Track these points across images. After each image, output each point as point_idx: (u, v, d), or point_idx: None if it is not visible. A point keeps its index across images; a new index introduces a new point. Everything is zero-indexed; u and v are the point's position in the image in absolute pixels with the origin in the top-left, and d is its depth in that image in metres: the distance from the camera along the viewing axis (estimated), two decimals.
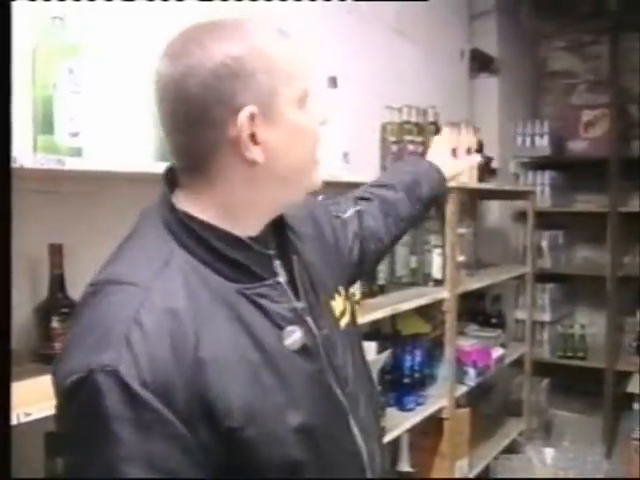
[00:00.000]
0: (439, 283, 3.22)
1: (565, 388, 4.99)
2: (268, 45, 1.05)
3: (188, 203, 1.07)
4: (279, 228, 1.19)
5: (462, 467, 3.46)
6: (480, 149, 3.76)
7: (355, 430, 1.17)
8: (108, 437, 0.90)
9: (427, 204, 1.77)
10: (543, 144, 4.89)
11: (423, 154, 3.13)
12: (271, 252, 1.13)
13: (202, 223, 1.05)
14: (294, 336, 1.08)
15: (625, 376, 4.41)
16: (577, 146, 5.03)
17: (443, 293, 3.16)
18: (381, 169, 3.06)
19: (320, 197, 1.56)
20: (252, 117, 1.01)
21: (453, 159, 1.94)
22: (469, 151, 3.53)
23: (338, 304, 1.27)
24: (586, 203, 5.17)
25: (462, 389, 3.39)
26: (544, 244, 4.95)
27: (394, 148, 3.07)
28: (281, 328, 1.07)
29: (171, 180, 1.11)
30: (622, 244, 4.88)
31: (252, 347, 1.02)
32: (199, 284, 1.01)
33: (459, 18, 4.52)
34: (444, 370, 3.23)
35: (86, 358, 0.92)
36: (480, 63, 4.70)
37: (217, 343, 0.98)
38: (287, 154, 1.07)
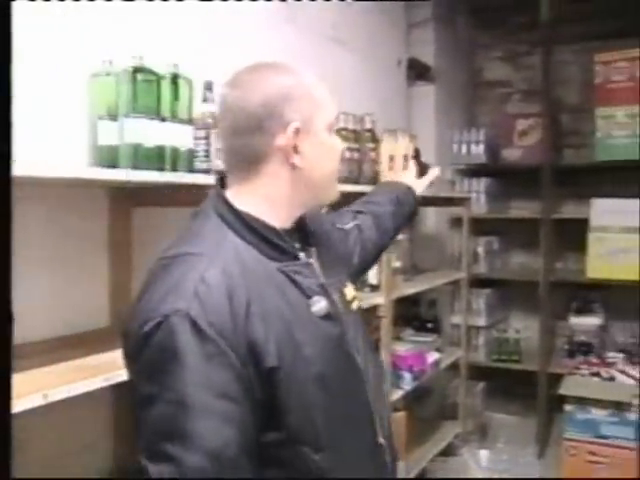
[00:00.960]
0: (375, 289, 3.25)
1: (500, 391, 5.09)
2: (310, 82, 1.39)
3: (237, 199, 1.36)
4: (300, 226, 1.47)
5: (399, 470, 3.49)
6: (417, 156, 3.81)
7: (369, 395, 1.42)
8: (180, 366, 1.14)
9: (407, 219, 2.14)
10: (479, 152, 4.99)
11: (360, 161, 3.19)
12: (297, 244, 1.42)
13: (248, 215, 1.34)
14: (320, 304, 1.35)
15: (558, 378, 4.50)
16: (511, 154, 5.15)
17: (379, 298, 3.20)
18: None
19: (324, 210, 1.91)
20: (297, 131, 1.33)
21: (418, 180, 2.33)
22: (406, 158, 3.61)
23: (350, 291, 1.54)
24: (520, 210, 5.30)
25: (398, 393, 3.42)
26: (480, 250, 5.04)
27: None
28: (309, 298, 1.34)
29: (221, 184, 1.42)
30: (554, 250, 5.01)
31: (287, 309, 1.28)
32: (248, 259, 1.29)
33: (397, 27, 4.58)
34: None
35: (162, 307, 1.17)
36: (417, 72, 4.77)
37: (262, 301, 1.24)
38: (319, 164, 1.39)
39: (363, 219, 1.95)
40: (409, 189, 2.17)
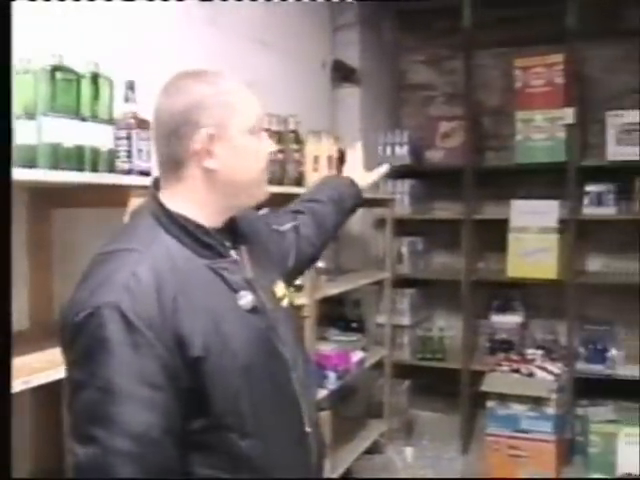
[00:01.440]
0: (299, 289, 3.27)
1: (425, 389, 5.17)
2: (228, 89, 1.45)
3: (169, 201, 1.44)
4: (232, 225, 1.56)
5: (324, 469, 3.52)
6: (341, 157, 3.85)
7: (296, 385, 1.51)
8: (109, 355, 1.23)
9: (349, 214, 2.21)
10: (403, 153, 5.06)
11: (283, 162, 3.21)
12: (227, 243, 1.50)
13: (180, 215, 1.43)
14: (246, 299, 1.44)
15: (480, 376, 4.60)
16: (435, 156, 5.25)
17: (303, 299, 3.22)
18: None
19: (265, 210, 2.01)
20: (210, 137, 1.41)
21: (366, 173, 2.38)
22: (330, 159, 3.64)
23: (279, 289, 1.63)
24: (443, 210, 5.40)
25: (323, 393, 3.45)
26: (404, 250, 5.10)
27: None
28: (236, 292, 1.43)
29: (155, 185, 1.50)
30: (476, 250, 5.12)
31: (215, 303, 1.38)
32: (178, 256, 1.37)
33: (322, 29, 4.62)
34: None
35: (95, 299, 1.26)
36: (342, 74, 4.82)
37: (189, 296, 1.33)
38: (237, 167, 1.46)
39: (302, 219, 2.00)
40: (353, 184, 2.22)
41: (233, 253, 1.50)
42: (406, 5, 5.15)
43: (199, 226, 1.44)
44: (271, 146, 1.57)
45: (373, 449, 4.31)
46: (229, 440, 1.36)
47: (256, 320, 1.44)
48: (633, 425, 4.02)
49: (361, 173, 2.35)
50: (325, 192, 2.15)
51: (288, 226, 1.96)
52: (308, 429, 1.53)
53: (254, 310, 1.44)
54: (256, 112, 1.50)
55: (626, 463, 3.25)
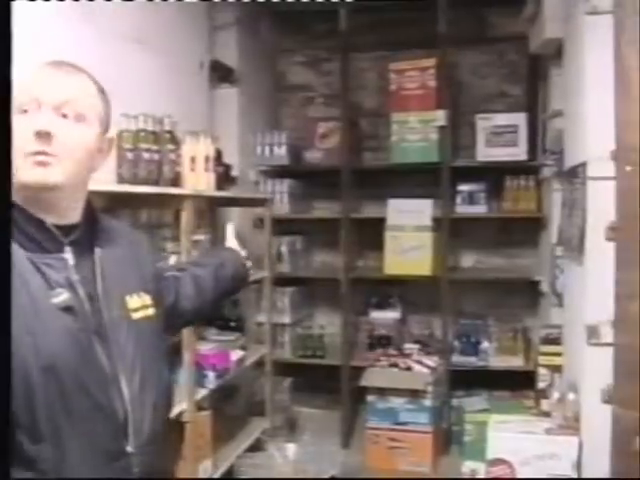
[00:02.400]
0: None
1: (307, 386, 5.24)
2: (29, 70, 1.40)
3: None
4: (94, 227, 1.54)
5: (206, 469, 3.53)
6: (219, 158, 3.86)
7: (116, 400, 1.42)
8: None
9: (233, 281, 2.16)
10: (281, 153, 5.11)
11: (159, 162, 3.19)
12: (64, 239, 1.44)
13: (18, 206, 1.36)
14: (62, 297, 1.38)
15: (360, 371, 4.70)
16: (313, 156, 5.33)
17: None
18: (117, 176, 3.06)
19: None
20: None
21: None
22: (207, 160, 3.64)
23: (134, 301, 1.55)
24: (322, 210, 5.49)
25: (202, 392, 3.45)
26: (283, 249, 5.16)
27: (130, 156, 3.07)
28: (53, 289, 1.37)
29: None
30: (355, 248, 5.24)
31: (26, 297, 1.31)
32: None
33: (200, 29, 4.60)
34: (183, 375, 3.28)
35: None
36: (220, 74, 4.82)
37: None
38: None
39: (183, 275, 1.97)
40: (234, 253, 2.25)
41: (68, 251, 1.44)
42: (284, 7, 5.20)
43: (35, 218, 1.40)
44: (35, 126, 1.37)
45: (255, 447, 4.32)
46: (17, 441, 1.29)
47: (69, 320, 1.38)
48: (502, 413, 4.20)
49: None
50: (207, 257, 2.24)
51: (170, 273, 1.94)
52: (130, 449, 1.44)
53: (68, 310, 1.38)
54: (27, 89, 1.40)
55: (494, 449, 3.38)
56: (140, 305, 1.57)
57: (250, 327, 4.64)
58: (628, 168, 2.43)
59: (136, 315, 1.54)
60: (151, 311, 1.59)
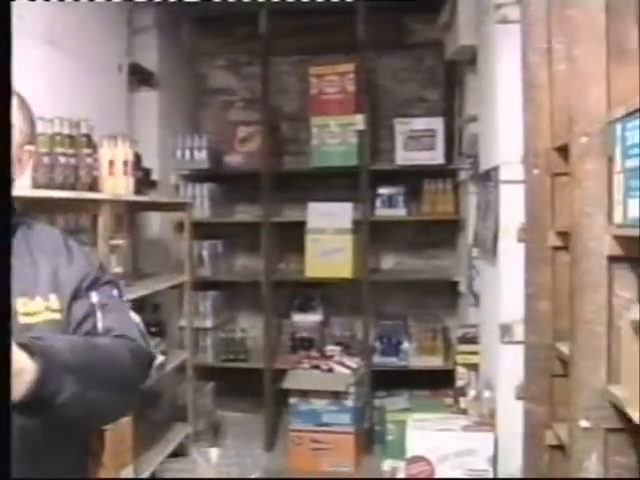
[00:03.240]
0: None
1: (230, 390, 5.23)
2: None
3: None
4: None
5: (127, 475, 3.50)
6: (138, 162, 3.84)
7: None
8: None
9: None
10: (202, 157, 5.10)
11: (76, 167, 3.15)
12: None
13: None
14: None
15: (283, 374, 4.73)
16: (233, 160, 5.33)
17: None
18: (32, 181, 3.01)
19: None
20: None
21: None
22: (126, 164, 3.61)
23: (33, 304, 1.45)
24: (243, 214, 5.50)
25: None
26: (204, 253, 5.14)
27: (45, 160, 3.03)
28: None
29: None
30: (276, 251, 5.26)
31: None
32: None
33: (118, 32, 4.55)
34: None
35: None
36: (140, 77, 4.77)
37: None
38: None
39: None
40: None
41: None
42: (204, 10, 5.19)
43: None
44: None
45: (178, 452, 4.30)
46: None
47: None
48: (423, 411, 4.28)
49: None
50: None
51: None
52: None
53: None
54: None
55: (413, 447, 3.45)
56: (38, 309, 1.45)
57: (171, 332, 4.61)
58: (535, 171, 2.54)
59: (29, 319, 1.43)
60: (57, 315, 1.47)
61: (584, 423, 1.89)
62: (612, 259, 1.83)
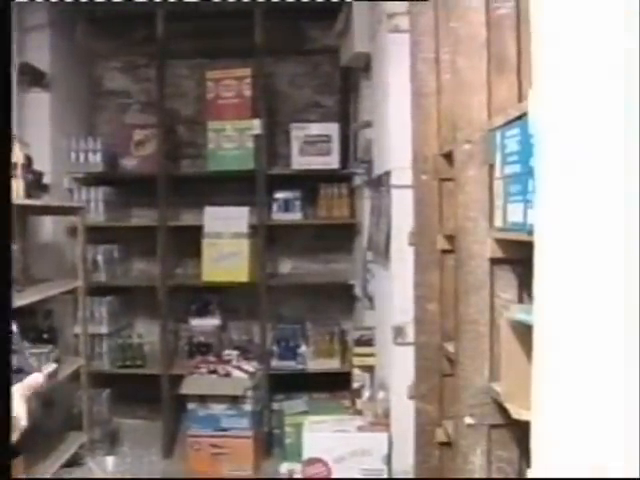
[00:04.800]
0: None
1: (127, 396, 5.15)
2: None
3: None
4: None
5: None
6: (29, 164, 3.75)
7: None
8: None
9: None
10: (96, 160, 5.00)
11: None
12: None
13: None
14: None
15: (181, 379, 4.69)
16: (129, 163, 5.26)
17: None
18: None
19: None
20: None
21: None
22: (16, 166, 3.53)
23: None
24: (140, 218, 5.42)
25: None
26: (99, 258, 5.04)
27: None
28: None
29: None
30: (174, 256, 5.21)
31: None
32: None
33: None
34: None
35: None
36: (31, 78, 4.65)
37: None
38: None
39: None
40: None
41: None
42: (100, 11, 5.11)
43: None
44: None
45: (73, 461, 4.22)
46: None
47: None
48: (321, 414, 4.33)
49: None
50: None
51: None
52: None
53: None
54: None
55: (310, 449, 3.50)
56: None
57: (66, 339, 4.51)
58: (424, 177, 2.62)
59: None
60: None
61: (469, 420, 1.97)
62: (494, 261, 1.92)
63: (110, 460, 4.51)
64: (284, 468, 4.12)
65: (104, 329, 5.06)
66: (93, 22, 5.47)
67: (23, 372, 1.46)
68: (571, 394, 1.00)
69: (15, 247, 3.54)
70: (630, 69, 0.85)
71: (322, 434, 3.54)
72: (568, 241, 1.01)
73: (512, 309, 1.78)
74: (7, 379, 1.14)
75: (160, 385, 4.91)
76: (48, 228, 4.75)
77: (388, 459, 3.42)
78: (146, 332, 5.35)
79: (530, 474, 1.19)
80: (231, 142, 4.97)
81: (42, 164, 4.23)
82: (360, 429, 3.51)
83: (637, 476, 0.85)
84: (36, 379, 1.52)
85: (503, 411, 1.85)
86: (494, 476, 1.97)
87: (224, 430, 4.54)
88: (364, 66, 4.26)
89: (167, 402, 4.91)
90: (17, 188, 3.47)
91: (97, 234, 4.90)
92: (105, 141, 5.13)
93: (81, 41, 5.43)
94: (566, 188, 1.01)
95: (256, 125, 4.85)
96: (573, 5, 0.99)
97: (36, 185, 3.90)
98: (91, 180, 5.16)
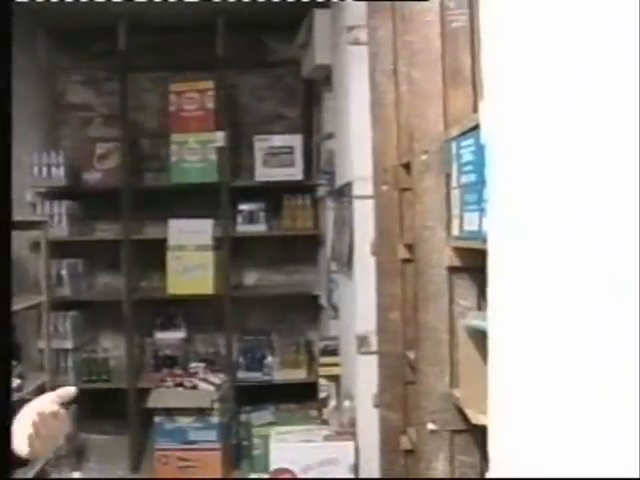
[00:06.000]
0: None
1: (93, 412, 5.10)
2: None
3: None
4: None
5: None
6: None
7: None
8: None
9: None
10: (59, 174, 4.97)
11: None
12: None
13: None
14: None
15: (147, 393, 4.67)
16: (92, 177, 5.23)
17: None
18: None
19: None
20: None
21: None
22: None
23: None
24: (104, 232, 5.40)
25: None
26: (64, 272, 5.00)
27: None
28: None
29: None
30: (138, 269, 5.20)
31: None
32: None
33: None
34: None
35: None
36: None
37: None
38: None
39: None
40: None
41: None
42: (61, 24, 5.09)
43: None
44: None
45: (38, 478, 4.17)
46: None
47: None
48: (288, 424, 4.35)
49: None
50: None
51: None
52: None
53: None
54: None
55: (277, 459, 3.52)
56: None
57: (30, 354, 4.48)
58: (384, 187, 2.66)
59: None
60: None
61: (431, 426, 2.00)
62: (452, 270, 1.95)
63: (77, 475, 4.47)
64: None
65: (69, 344, 5.01)
66: (54, 35, 5.45)
67: None
68: (525, 398, 1.03)
69: None
70: (578, 77, 0.88)
71: (289, 444, 3.55)
72: (519, 248, 1.03)
73: (469, 316, 1.82)
74: (7, 387, 1.15)
75: (126, 399, 4.90)
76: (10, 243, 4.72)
77: (355, 468, 3.44)
78: (111, 346, 5.33)
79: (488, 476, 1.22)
80: (194, 155, 4.98)
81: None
82: (327, 439, 3.53)
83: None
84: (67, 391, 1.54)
85: (464, 416, 1.89)
86: None
87: (192, 443, 4.53)
88: (326, 78, 4.30)
89: (134, 416, 4.89)
90: None
91: (61, 248, 4.88)
92: (68, 155, 5.11)
93: (42, 54, 5.41)
94: (516, 196, 1.04)
95: (219, 137, 4.86)
96: (521, 16, 1.03)
97: None
98: (54, 194, 5.13)
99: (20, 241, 4.78)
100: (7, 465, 1.13)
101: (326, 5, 4.09)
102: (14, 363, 3.86)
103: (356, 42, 3.23)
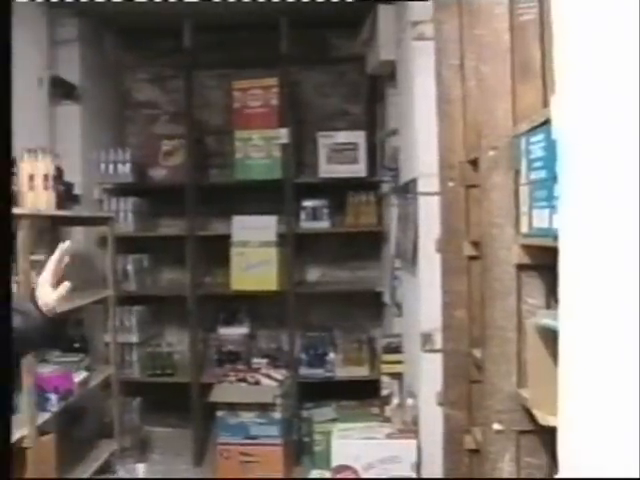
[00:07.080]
0: None
1: (157, 405, 5.18)
2: None
3: None
4: None
5: None
6: (60, 176, 3.80)
7: None
8: None
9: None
10: (125, 171, 5.05)
11: None
12: None
13: None
14: None
15: (210, 387, 4.71)
16: (157, 174, 5.30)
17: None
18: None
19: None
20: None
21: (50, 291, 1.94)
22: (47, 178, 3.58)
23: None
24: (168, 227, 5.47)
25: (45, 416, 3.37)
26: (129, 268, 5.09)
27: None
28: None
29: None
30: (202, 265, 5.25)
31: None
32: None
33: (38, 44, 4.49)
34: (23, 399, 3.18)
35: None
36: (62, 91, 4.72)
37: None
38: None
39: None
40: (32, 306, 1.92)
41: None
42: (128, 24, 5.17)
43: None
44: None
45: (104, 469, 4.26)
46: None
47: None
48: (350, 421, 4.34)
49: (44, 292, 1.95)
50: None
51: None
52: None
53: None
54: None
55: (339, 456, 3.51)
56: None
57: (97, 347, 4.56)
58: (450, 184, 2.63)
59: None
60: None
61: (497, 426, 1.96)
62: (520, 267, 1.91)
63: (141, 468, 4.54)
64: (313, 475, 4.12)
65: (134, 338, 5.10)
66: (122, 34, 5.54)
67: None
68: (597, 399, 1.00)
69: (46, 258, 3.59)
70: None
71: (351, 441, 3.54)
72: (592, 246, 1.01)
73: (538, 314, 1.78)
74: (8, 390, 1.16)
75: (190, 393, 4.96)
76: (79, 238, 4.81)
77: (417, 466, 3.41)
78: (176, 341, 5.40)
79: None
80: (258, 151, 5.00)
81: (73, 175, 4.28)
82: (389, 436, 3.51)
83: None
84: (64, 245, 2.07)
85: (531, 417, 1.85)
86: None
87: (253, 438, 4.55)
88: (390, 74, 4.27)
89: (197, 410, 4.94)
90: (48, 199, 3.52)
91: (127, 244, 4.96)
92: (134, 152, 5.19)
93: (110, 54, 5.50)
94: (589, 193, 1.01)
95: (283, 134, 4.87)
96: (594, 10, 1.00)
97: (67, 196, 3.95)
98: (120, 191, 5.22)
99: (88, 237, 4.88)
100: (7, 465, 1.14)
101: (390, 1, 4.07)
102: (82, 356, 3.94)
103: (421, 37, 3.20)
